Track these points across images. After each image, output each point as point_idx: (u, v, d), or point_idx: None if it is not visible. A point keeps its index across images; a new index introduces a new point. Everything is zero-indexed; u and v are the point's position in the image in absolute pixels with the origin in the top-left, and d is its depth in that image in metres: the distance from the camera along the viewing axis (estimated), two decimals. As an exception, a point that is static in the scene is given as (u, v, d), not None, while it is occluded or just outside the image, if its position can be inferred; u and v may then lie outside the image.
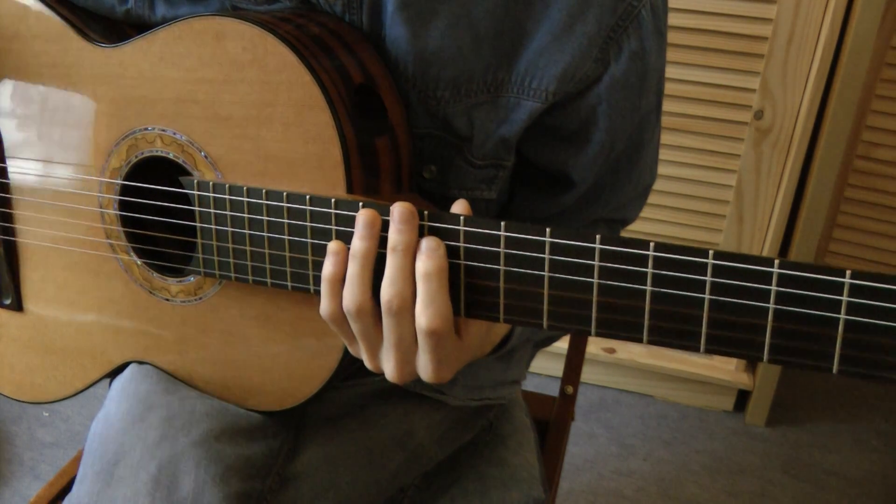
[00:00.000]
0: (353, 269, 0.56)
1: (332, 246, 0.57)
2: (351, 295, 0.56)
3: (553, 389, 1.10)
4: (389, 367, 0.58)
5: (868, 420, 1.85)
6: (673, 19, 0.80)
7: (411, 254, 0.55)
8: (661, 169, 0.82)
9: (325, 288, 0.58)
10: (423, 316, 0.54)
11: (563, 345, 1.09)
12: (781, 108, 1.53)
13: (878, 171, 1.84)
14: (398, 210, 0.54)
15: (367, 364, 0.60)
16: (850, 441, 1.79)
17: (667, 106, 0.77)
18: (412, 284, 0.55)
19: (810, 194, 1.59)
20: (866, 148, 1.82)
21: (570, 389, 1.09)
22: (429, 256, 0.54)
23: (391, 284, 0.55)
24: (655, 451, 1.74)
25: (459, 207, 0.56)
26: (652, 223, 1.71)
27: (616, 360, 1.84)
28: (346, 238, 0.58)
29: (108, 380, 0.78)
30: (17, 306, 0.79)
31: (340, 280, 0.57)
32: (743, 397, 1.85)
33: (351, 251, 0.56)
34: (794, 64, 1.49)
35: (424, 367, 0.57)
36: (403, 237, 0.54)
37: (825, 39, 1.44)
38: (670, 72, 1.38)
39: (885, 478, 1.69)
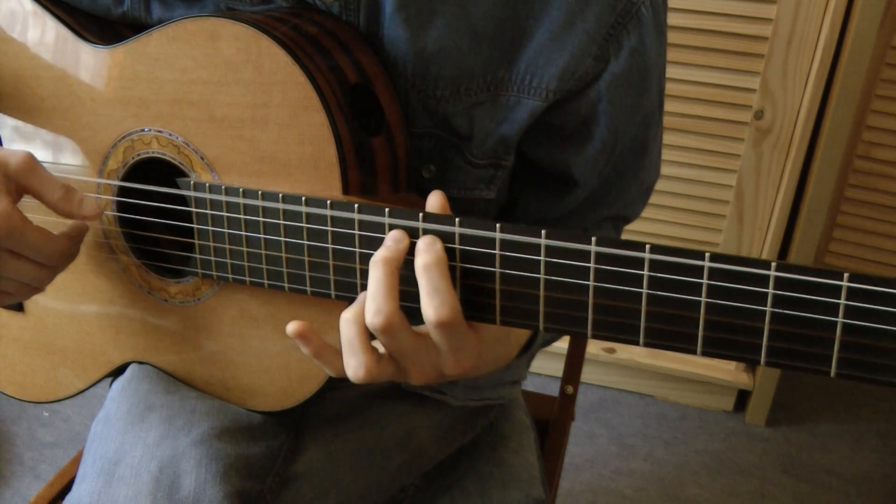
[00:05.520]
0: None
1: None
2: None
3: (553, 389, 1.10)
4: (408, 375, 0.57)
5: (868, 420, 1.85)
6: (673, 19, 0.79)
7: (392, 266, 0.54)
8: (662, 169, 0.82)
9: None
10: (429, 308, 0.52)
11: (563, 345, 1.09)
12: (781, 108, 1.53)
13: (878, 171, 1.83)
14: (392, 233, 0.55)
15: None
16: (850, 441, 1.78)
17: (667, 106, 0.77)
18: (394, 300, 0.53)
19: (810, 194, 1.59)
20: (866, 148, 1.82)
21: (570, 389, 1.09)
22: (426, 251, 0.53)
23: (371, 300, 0.53)
24: (655, 451, 1.74)
25: (434, 199, 0.55)
26: (652, 223, 1.70)
27: (616, 360, 1.84)
28: (342, 238, 0.58)
29: (108, 380, 0.78)
30: (19, 306, 0.79)
31: None
32: (743, 397, 1.85)
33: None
34: (794, 64, 1.48)
35: (444, 362, 0.55)
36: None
37: (825, 39, 1.44)
38: (670, 72, 1.38)
39: (885, 478, 1.69)
